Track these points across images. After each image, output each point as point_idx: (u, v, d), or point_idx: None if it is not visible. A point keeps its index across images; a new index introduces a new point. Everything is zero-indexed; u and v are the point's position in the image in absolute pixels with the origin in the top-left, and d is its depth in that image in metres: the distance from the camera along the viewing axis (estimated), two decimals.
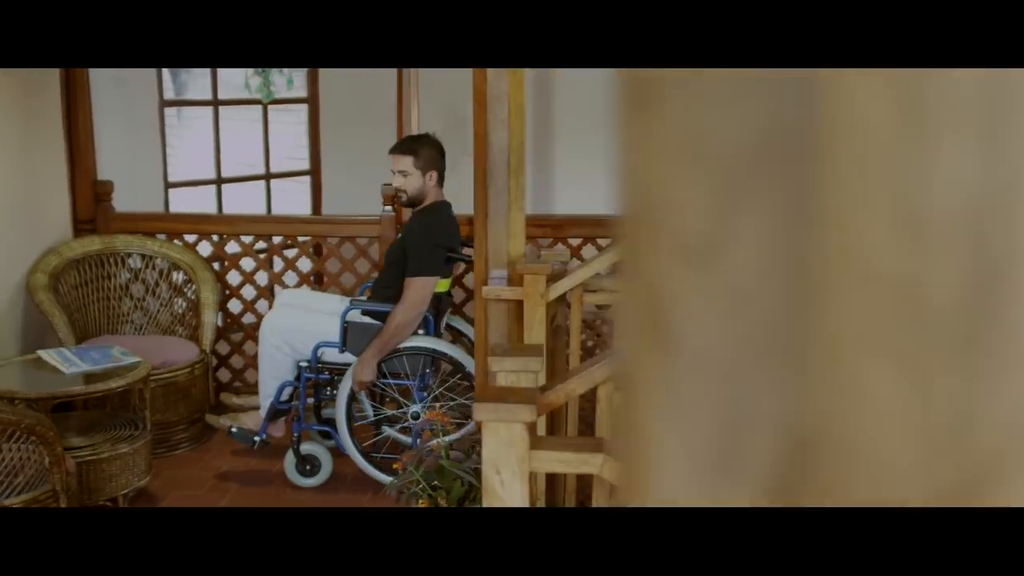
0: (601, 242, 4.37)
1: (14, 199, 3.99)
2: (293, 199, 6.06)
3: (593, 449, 1.78)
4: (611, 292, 3.27)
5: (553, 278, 3.08)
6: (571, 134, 5.31)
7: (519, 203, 3.16)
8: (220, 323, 4.43)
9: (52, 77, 4.23)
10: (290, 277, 4.62)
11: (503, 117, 3.08)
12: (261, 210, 5.64)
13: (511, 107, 3.09)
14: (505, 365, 2.14)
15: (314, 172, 5.92)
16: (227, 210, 5.39)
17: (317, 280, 4.72)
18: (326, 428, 3.82)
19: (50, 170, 4.25)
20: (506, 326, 3.18)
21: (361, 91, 5.78)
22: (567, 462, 1.77)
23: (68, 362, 3.51)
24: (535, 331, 3.06)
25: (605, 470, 1.79)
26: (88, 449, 3.33)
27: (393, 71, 5.41)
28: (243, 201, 5.66)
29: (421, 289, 3.58)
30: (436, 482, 3.05)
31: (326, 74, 5.57)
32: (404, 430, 3.82)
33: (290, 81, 3.60)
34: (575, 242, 4.34)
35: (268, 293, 4.57)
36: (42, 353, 3.62)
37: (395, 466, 3.12)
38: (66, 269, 4.20)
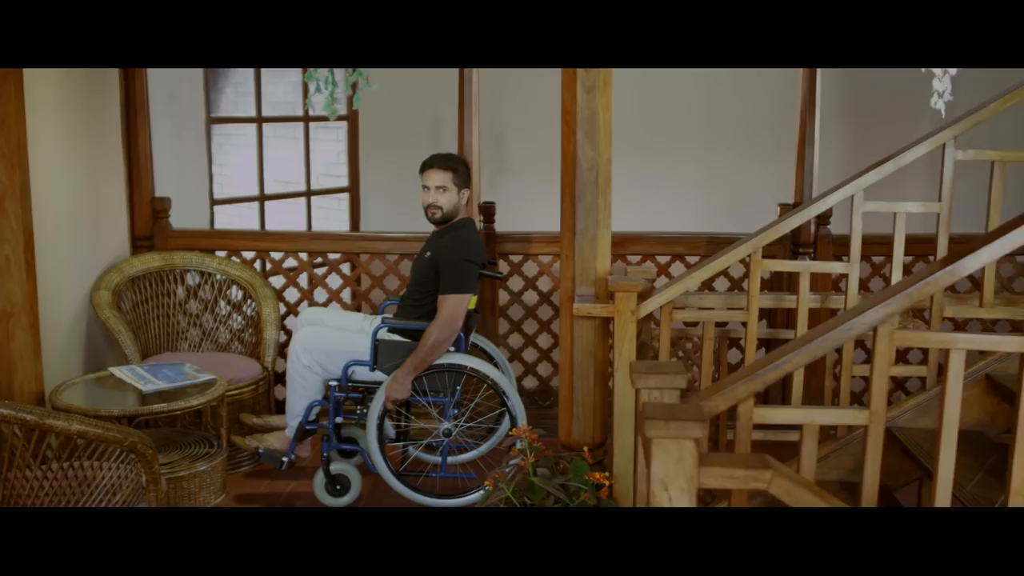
0: (660, 259, 4.39)
1: (79, 211, 3.96)
2: (330, 216, 6.05)
3: (762, 466, 1.79)
4: (699, 309, 3.30)
5: (642, 295, 3.10)
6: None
7: (606, 221, 3.17)
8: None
9: (111, 75, 4.19)
10: (346, 294, 4.62)
11: (593, 136, 3.10)
12: (301, 227, 5.64)
13: (601, 126, 3.11)
14: (649, 383, 2.15)
15: (352, 189, 5.94)
16: (267, 227, 5.39)
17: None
18: (348, 447, 3.81)
19: (111, 184, 4.23)
20: (592, 343, 3.19)
21: (400, 109, 5.80)
22: (737, 478, 1.78)
23: (143, 379, 3.49)
24: (625, 348, 3.07)
25: (773, 486, 1.81)
26: (167, 468, 3.32)
27: (433, 90, 5.44)
28: (283, 218, 5.65)
29: (456, 306, 3.57)
30: (527, 499, 3.06)
31: (365, 92, 5.57)
32: (430, 448, 3.82)
33: (358, 98, 3.61)
34: (634, 259, 4.36)
35: None
36: (114, 370, 3.60)
37: (487, 484, 3.12)
38: (126, 286, 4.18)
